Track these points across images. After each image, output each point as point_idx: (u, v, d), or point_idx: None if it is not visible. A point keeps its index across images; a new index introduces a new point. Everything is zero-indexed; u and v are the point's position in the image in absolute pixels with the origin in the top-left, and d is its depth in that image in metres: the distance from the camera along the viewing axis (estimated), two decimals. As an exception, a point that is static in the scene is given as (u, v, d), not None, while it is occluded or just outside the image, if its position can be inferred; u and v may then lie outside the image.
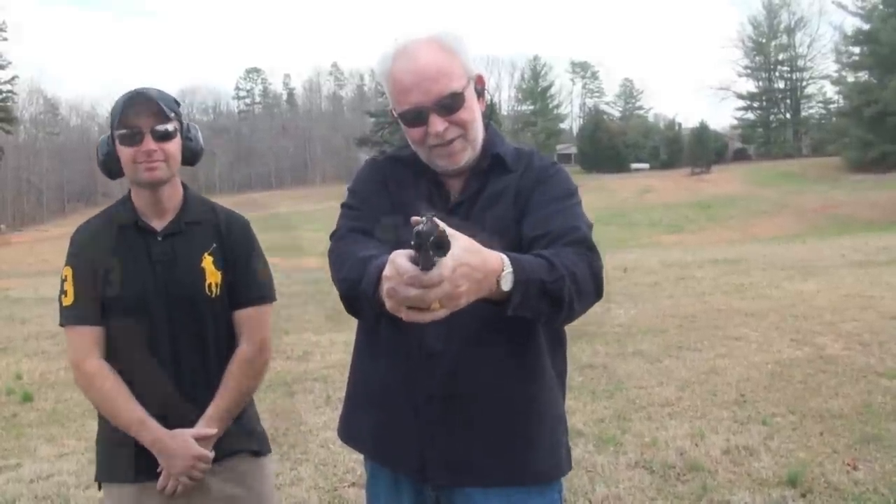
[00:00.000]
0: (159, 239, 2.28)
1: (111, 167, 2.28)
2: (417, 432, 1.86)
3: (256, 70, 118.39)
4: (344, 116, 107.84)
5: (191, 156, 2.33)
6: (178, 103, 2.32)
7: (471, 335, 1.81)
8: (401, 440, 1.90)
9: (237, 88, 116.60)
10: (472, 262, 1.42)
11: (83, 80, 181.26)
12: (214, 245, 2.31)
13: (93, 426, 6.08)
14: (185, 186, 2.37)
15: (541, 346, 1.88)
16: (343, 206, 1.97)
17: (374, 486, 2.03)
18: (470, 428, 1.84)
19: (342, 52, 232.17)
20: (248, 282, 2.34)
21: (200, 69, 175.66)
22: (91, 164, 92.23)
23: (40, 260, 39.07)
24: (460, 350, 1.82)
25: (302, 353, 8.82)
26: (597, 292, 1.72)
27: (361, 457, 2.11)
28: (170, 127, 2.21)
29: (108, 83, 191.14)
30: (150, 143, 2.18)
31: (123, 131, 2.19)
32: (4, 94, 72.00)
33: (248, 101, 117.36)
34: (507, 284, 1.49)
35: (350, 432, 2.07)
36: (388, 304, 1.42)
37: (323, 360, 8.30)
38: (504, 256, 1.51)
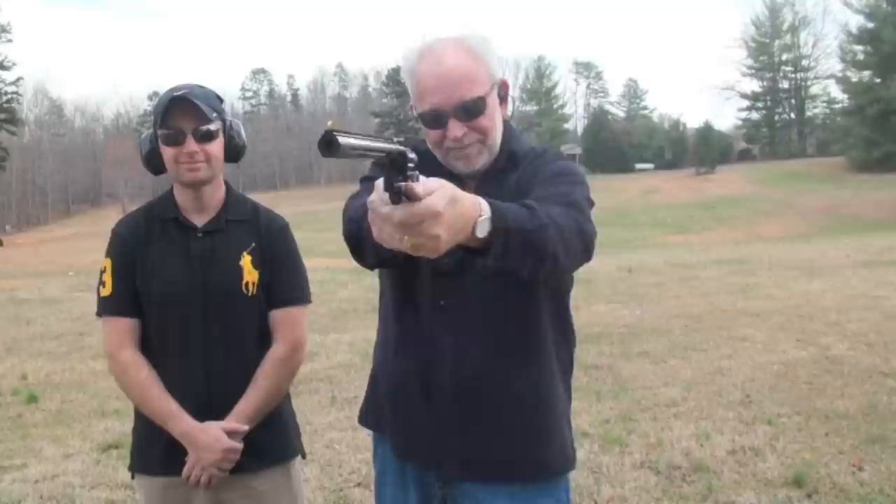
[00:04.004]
0: (199, 235, 2.30)
1: (154, 164, 2.30)
2: (432, 426, 1.87)
3: (263, 71, 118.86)
4: (348, 117, 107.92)
5: (234, 153, 2.34)
6: (221, 100, 2.33)
7: (477, 327, 1.83)
8: (416, 433, 1.91)
9: (243, 89, 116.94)
10: (443, 206, 1.29)
11: (88, 81, 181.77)
12: (254, 244, 2.33)
13: (98, 427, 6.12)
14: (227, 185, 2.40)
15: (547, 338, 1.89)
16: (362, 179, 1.94)
17: (382, 484, 2.05)
18: (480, 421, 1.85)
19: (346, 53, 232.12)
20: (285, 282, 2.36)
21: (205, 69, 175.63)
22: (96, 165, 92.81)
23: (45, 261, 39.10)
24: (467, 342, 1.83)
25: (307, 353, 8.80)
26: (585, 250, 1.64)
27: (367, 456, 2.12)
28: (212, 127, 2.23)
29: (114, 84, 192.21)
30: (191, 145, 2.20)
31: (165, 132, 2.22)
32: (9, 96, 72.20)
33: (253, 101, 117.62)
34: (482, 231, 1.40)
35: (370, 418, 2.09)
36: (373, 233, 1.34)
37: (328, 360, 8.30)
38: (482, 202, 1.43)
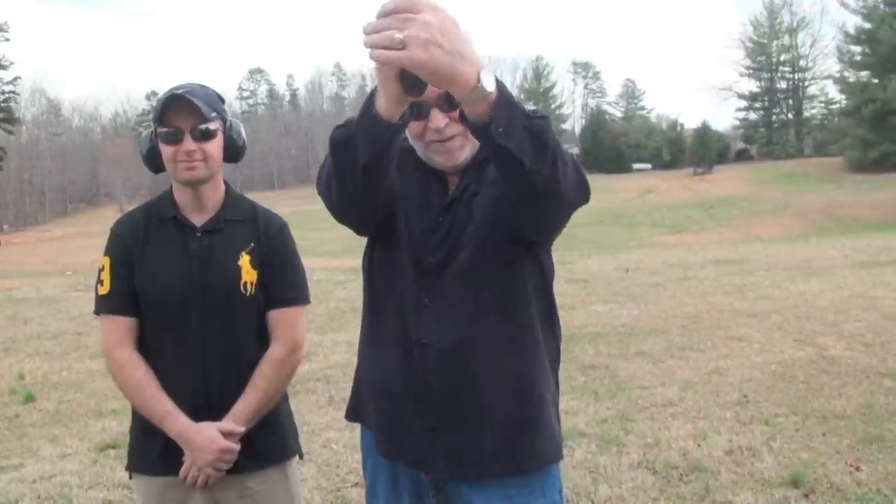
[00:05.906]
0: (198, 234, 2.29)
1: (154, 163, 2.30)
2: (420, 425, 1.87)
3: (260, 70, 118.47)
4: (346, 117, 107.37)
5: (234, 153, 2.34)
6: (222, 100, 2.33)
7: (462, 324, 1.82)
8: (403, 432, 1.90)
9: (240, 89, 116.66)
10: (449, 26, 1.36)
11: (86, 80, 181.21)
12: (252, 244, 2.32)
13: (95, 427, 6.12)
14: (227, 185, 2.39)
15: (536, 329, 1.89)
16: None
17: (373, 495, 2.03)
18: (470, 417, 1.85)
19: (344, 53, 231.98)
20: (283, 283, 2.35)
21: (203, 69, 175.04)
22: (93, 165, 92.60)
23: (43, 260, 39.12)
24: (452, 340, 1.83)
25: (304, 353, 8.78)
26: (582, 183, 1.72)
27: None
28: (211, 126, 2.23)
29: (112, 84, 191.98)
30: (189, 144, 2.20)
31: (164, 130, 2.22)
32: (7, 95, 72.13)
33: (251, 101, 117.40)
34: (488, 82, 1.43)
35: (359, 415, 2.08)
36: (365, 44, 1.38)
37: (326, 360, 8.29)
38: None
